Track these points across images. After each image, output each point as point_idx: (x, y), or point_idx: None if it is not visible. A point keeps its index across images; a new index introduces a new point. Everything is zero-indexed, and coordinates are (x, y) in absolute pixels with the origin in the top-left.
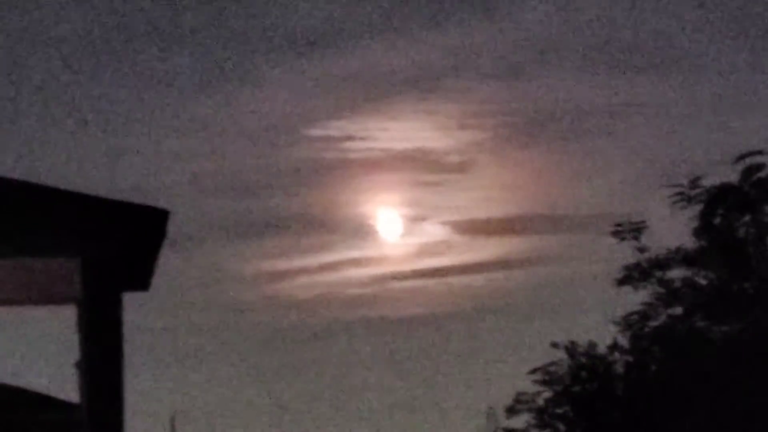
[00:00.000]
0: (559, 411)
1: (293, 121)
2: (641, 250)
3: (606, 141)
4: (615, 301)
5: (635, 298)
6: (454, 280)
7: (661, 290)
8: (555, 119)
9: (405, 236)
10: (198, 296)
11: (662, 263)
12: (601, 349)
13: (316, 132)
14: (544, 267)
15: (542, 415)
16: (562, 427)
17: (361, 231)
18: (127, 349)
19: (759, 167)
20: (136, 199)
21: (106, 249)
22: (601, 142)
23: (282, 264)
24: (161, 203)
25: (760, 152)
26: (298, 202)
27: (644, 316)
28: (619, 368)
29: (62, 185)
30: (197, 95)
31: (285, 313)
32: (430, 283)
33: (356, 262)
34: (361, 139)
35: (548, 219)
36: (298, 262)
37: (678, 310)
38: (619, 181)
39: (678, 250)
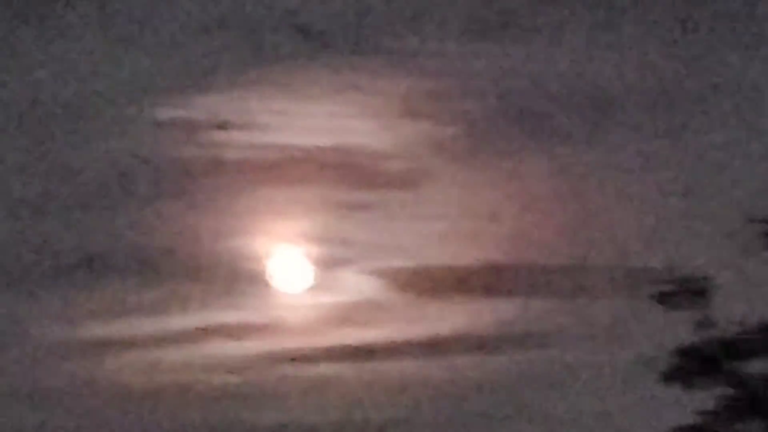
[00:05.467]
0: None
1: (127, 95)
2: (704, 324)
3: (644, 142)
4: (655, 406)
5: (690, 402)
6: (391, 367)
7: (735, 392)
8: (563, 104)
9: (312, 292)
10: None
11: (736, 347)
12: None
13: (164, 113)
14: (539, 350)
15: None
16: None
17: (240, 280)
18: None
19: None
20: None
21: None
22: (637, 143)
23: (102, 329)
24: None
25: None
26: (133, 232)
27: None
28: None
29: None
30: None
31: (101, 407)
32: (351, 370)
33: (228, 331)
34: (242, 127)
35: (548, 271)
36: (128, 328)
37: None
38: (665, 216)
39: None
